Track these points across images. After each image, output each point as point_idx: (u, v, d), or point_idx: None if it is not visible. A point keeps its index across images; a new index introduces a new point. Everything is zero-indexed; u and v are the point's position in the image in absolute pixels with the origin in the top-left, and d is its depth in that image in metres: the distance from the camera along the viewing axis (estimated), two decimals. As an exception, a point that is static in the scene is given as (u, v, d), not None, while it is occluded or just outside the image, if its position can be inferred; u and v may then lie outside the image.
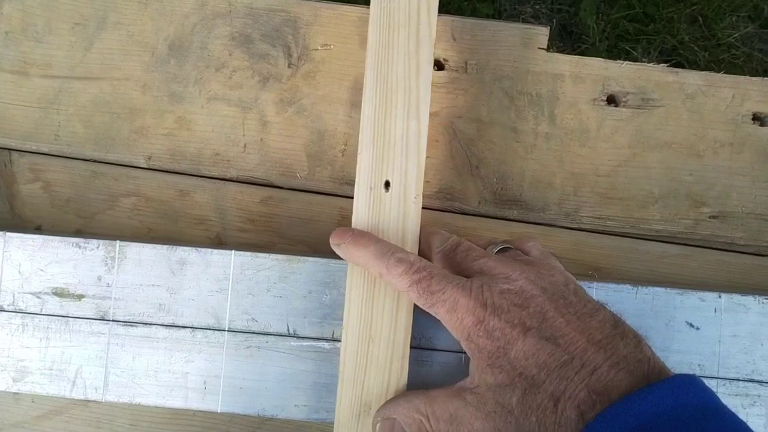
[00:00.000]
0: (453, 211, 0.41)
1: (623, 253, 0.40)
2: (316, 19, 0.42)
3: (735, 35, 0.91)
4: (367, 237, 0.31)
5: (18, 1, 0.43)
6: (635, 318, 0.34)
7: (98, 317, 0.35)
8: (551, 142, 0.41)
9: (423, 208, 0.41)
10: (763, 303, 0.34)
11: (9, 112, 0.42)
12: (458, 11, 0.94)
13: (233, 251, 0.36)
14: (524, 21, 0.92)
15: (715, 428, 0.23)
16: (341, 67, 0.41)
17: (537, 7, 0.91)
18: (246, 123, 0.42)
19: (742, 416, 0.33)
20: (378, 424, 0.30)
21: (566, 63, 0.41)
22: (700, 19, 0.90)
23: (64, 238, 0.37)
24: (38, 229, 0.42)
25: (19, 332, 0.36)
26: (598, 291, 0.34)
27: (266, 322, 0.35)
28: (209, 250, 0.36)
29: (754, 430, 0.32)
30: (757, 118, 0.40)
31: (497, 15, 0.91)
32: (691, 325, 0.34)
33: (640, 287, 0.34)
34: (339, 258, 0.35)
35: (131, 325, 0.35)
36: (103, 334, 0.35)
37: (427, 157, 0.41)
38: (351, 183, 0.40)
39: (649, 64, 0.40)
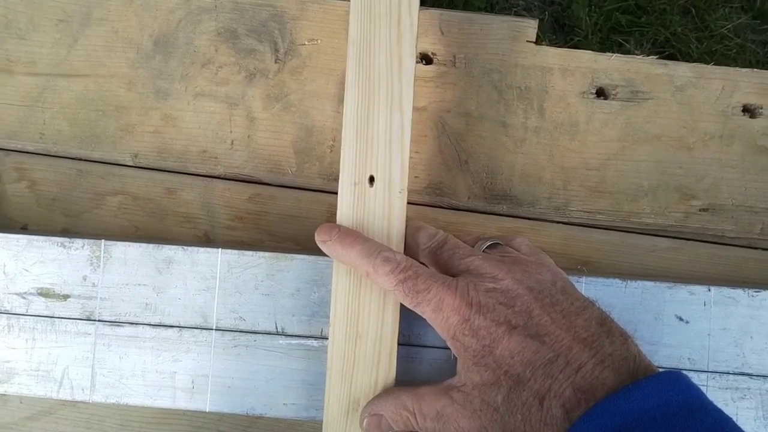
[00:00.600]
0: (442, 207, 0.41)
1: (613, 247, 0.40)
2: (303, 13, 0.41)
3: (728, 26, 0.91)
4: (354, 236, 0.31)
5: (0, -2, 0.42)
6: (625, 312, 0.34)
7: (84, 317, 0.35)
8: (540, 136, 0.40)
9: (412, 203, 0.41)
10: (752, 296, 0.33)
11: (-7, 111, 0.42)
12: (449, 4, 0.93)
13: (220, 249, 0.36)
14: (516, 14, 0.91)
15: (700, 425, 0.23)
16: (328, 62, 0.41)
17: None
18: (233, 119, 0.41)
19: (731, 410, 0.33)
20: (365, 420, 0.30)
21: (555, 56, 0.41)
22: (693, 10, 0.90)
23: (49, 237, 0.36)
24: (24, 229, 0.41)
25: (5, 333, 0.36)
26: (587, 285, 0.34)
27: (254, 320, 0.35)
28: (196, 248, 0.36)
29: (743, 424, 0.32)
30: (747, 109, 0.40)
31: (489, 8, 0.91)
32: (681, 319, 0.34)
33: (629, 281, 0.34)
34: (326, 255, 0.34)
35: (118, 325, 0.35)
36: (90, 334, 0.35)
37: (416, 152, 0.41)
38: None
39: (639, 56, 0.40)
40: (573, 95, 0.40)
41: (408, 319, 0.33)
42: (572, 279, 0.34)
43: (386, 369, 0.32)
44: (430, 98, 0.41)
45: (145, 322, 0.35)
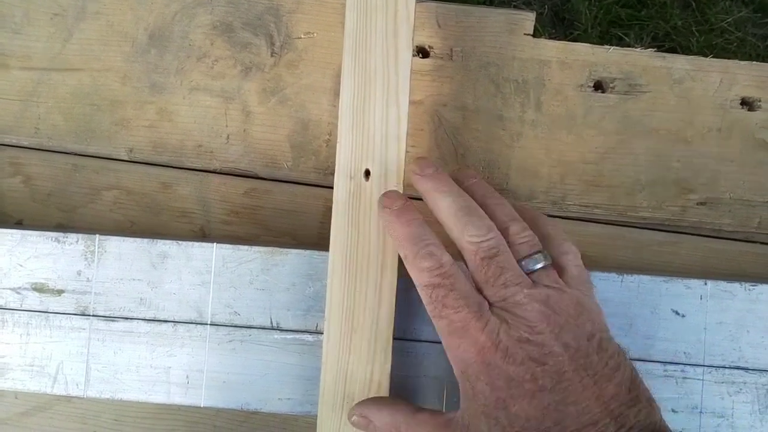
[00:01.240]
0: (439, 201, 0.41)
1: (610, 240, 0.40)
2: (299, 6, 0.41)
3: (728, 20, 0.90)
4: (412, 215, 0.29)
5: (-6, -8, 0.42)
6: (621, 306, 0.34)
7: (78, 312, 0.35)
8: (537, 130, 0.40)
9: (409, 197, 0.41)
10: (749, 290, 0.33)
11: (-13, 105, 0.41)
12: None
13: (215, 244, 0.35)
14: (516, 7, 0.91)
15: None
16: (325, 55, 0.41)
17: (529, -7, 0.90)
18: (229, 113, 0.41)
19: (728, 404, 0.33)
20: (354, 417, 0.30)
21: (553, 49, 0.40)
22: (693, 3, 0.90)
23: (43, 232, 0.36)
24: (19, 224, 0.41)
25: None
26: (583, 279, 0.34)
27: (249, 315, 0.35)
28: (190, 243, 0.35)
29: (739, 418, 0.32)
30: (745, 102, 0.40)
31: (489, 1, 0.90)
32: (677, 313, 0.33)
33: (625, 275, 0.34)
34: (323, 249, 0.34)
35: (112, 320, 0.35)
36: (84, 329, 0.35)
37: (413, 146, 0.41)
38: (335, 173, 0.40)
39: (637, 49, 0.40)
40: (570, 88, 0.40)
41: (404, 313, 0.33)
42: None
43: (381, 364, 0.32)
44: (426, 92, 0.40)
45: (140, 317, 0.35)
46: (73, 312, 0.35)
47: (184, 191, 0.41)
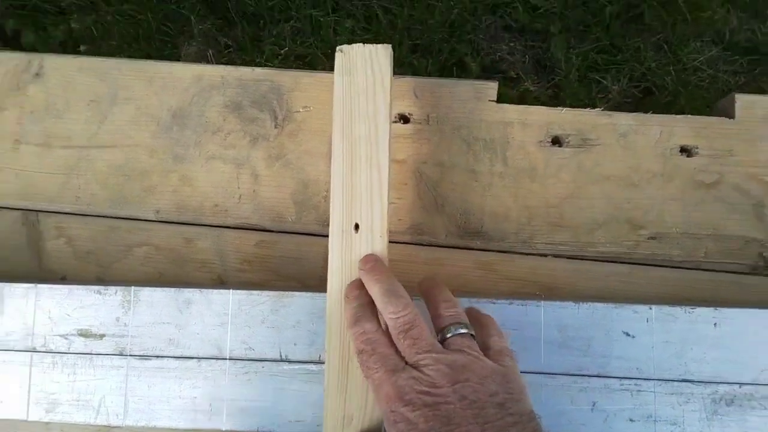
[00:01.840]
0: (424, 245, 0.47)
1: (575, 273, 0.45)
2: (297, 85, 0.48)
3: (700, 59, 0.97)
4: (357, 291, 0.36)
5: (41, 84, 0.50)
6: (579, 330, 0.39)
7: (117, 353, 0.41)
8: (505, 180, 0.47)
9: (398, 242, 0.47)
10: (689, 312, 0.39)
11: (36, 180, 0.49)
12: (439, 51, 1.01)
13: (231, 290, 0.42)
14: (501, 58, 0.99)
15: None
16: (320, 125, 0.48)
17: (512, 44, 0.98)
18: (240, 177, 0.48)
19: (678, 413, 0.38)
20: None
21: (514, 112, 0.47)
22: (666, 46, 0.97)
23: (87, 286, 0.43)
24: (63, 279, 0.48)
25: (50, 369, 0.42)
26: (545, 309, 0.40)
27: (262, 350, 0.41)
28: (210, 290, 0.42)
29: (689, 425, 0.37)
30: (684, 150, 0.46)
31: (475, 54, 0.98)
32: (628, 334, 0.39)
33: (581, 303, 0.40)
34: (323, 291, 0.40)
35: (146, 359, 0.41)
36: (122, 367, 0.41)
37: (399, 198, 0.47)
38: (332, 225, 0.46)
39: (585, 110, 0.46)
40: (531, 144, 0.47)
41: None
42: (530, 303, 0.40)
43: (374, 387, 0.37)
44: (408, 152, 0.47)
45: (170, 355, 0.41)
46: (113, 353, 0.41)
47: (204, 245, 0.48)
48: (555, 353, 0.39)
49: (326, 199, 0.47)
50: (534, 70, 0.97)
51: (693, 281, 0.45)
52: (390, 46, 0.40)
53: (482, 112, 0.47)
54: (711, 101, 0.95)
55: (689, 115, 0.46)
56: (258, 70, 0.49)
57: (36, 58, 0.51)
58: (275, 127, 0.48)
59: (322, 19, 1.01)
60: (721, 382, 0.38)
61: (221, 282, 0.47)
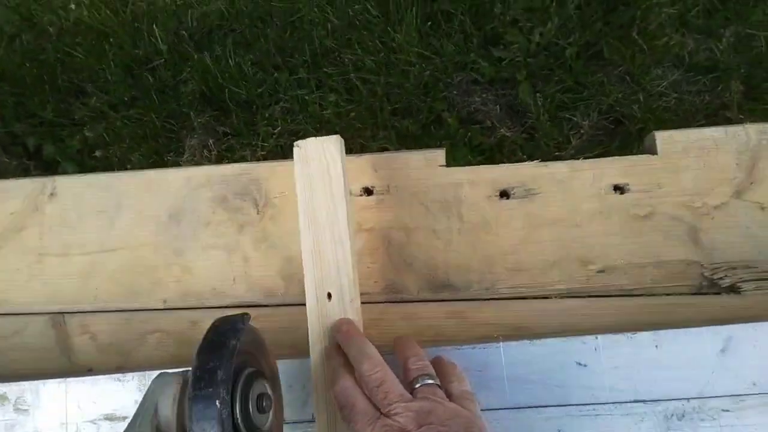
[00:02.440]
0: (398, 302, 0.52)
1: (536, 312, 0.50)
2: (273, 174, 0.56)
3: (664, 84, 1.02)
4: (338, 346, 0.42)
5: (56, 202, 0.58)
6: (536, 365, 0.44)
7: None
8: (463, 235, 0.52)
9: (376, 302, 0.52)
10: (631, 338, 0.43)
11: (60, 285, 0.56)
12: (418, 111, 1.09)
13: (230, 365, 0.47)
14: (475, 109, 1.06)
15: None
16: (296, 207, 0.54)
17: (484, 95, 1.05)
18: (232, 262, 0.55)
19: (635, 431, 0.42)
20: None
21: (462, 173, 0.53)
22: (628, 78, 1.03)
23: (109, 375, 0.49)
24: (90, 371, 0.55)
25: (83, 453, 0.48)
26: (504, 349, 0.44)
27: (261, 415, 0.46)
28: (212, 367, 0.48)
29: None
30: (617, 188, 0.51)
31: (452, 109, 1.05)
32: (580, 364, 0.43)
33: (534, 340, 0.44)
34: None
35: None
36: (143, 444, 0.47)
37: (372, 263, 0.53)
38: (316, 294, 0.52)
39: (524, 163, 0.52)
40: (482, 200, 0.52)
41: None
42: (490, 346, 0.45)
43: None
44: (375, 221, 0.53)
45: (182, 429, 0.47)
46: (134, 433, 0.47)
47: (207, 325, 0.54)
48: (518, 389, 0.44)
49: (309, 271, 0.53)
50: (508, 116, 1.04)
51: (645, 306, 0.49)
52: (338, 136, 0.47)
53: (434, 177, 0.53)
54: (680, 123, 0.99)
55: (617, 157, 0.51)
56: (237, 165, 0.56)
57: (49, 181, 0.59)
58: (258, 213, 0.55)
59: (307, 98, 1.11)
60: (670, 399, 0.42)
61: (225, 357, 0.53)
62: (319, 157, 0.47)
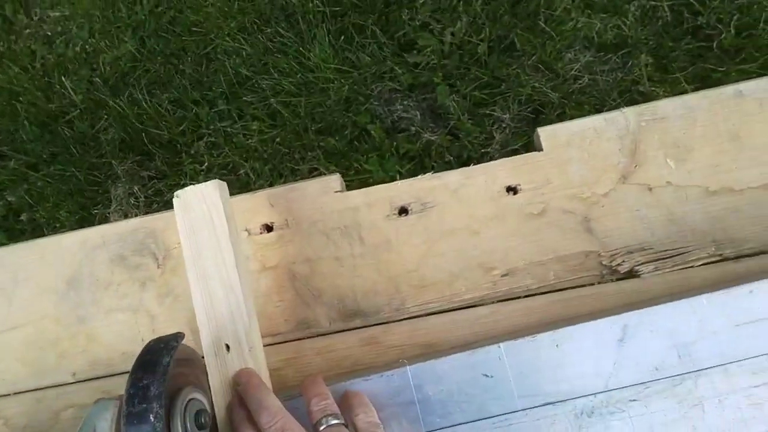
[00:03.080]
0: (312, 336, 0.51)
1: (447, 326, 0.50)
2: (168, 225, 0.54)
3: (576, 67, 1.04)
4: (238, 402, 0.41)
5: (-49, 286, 0.56)
6: (446, 383, 0.43)
7: None
8: (366, 259, 0.51)
9: (290, 341, 0.51)
10: (531, 341, 0.43)
11: (-38, 374, 0.54)
12: (343, 127, 1.08)
13: None
14: (399, 117, 1.06)
15: None
16: (195, 255, 0.53)
17: (405, 103, 1.05)
18: (138, 321, 0.53)
19: (550, 434, 0.41)
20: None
21: (357, 196, 0.52)
22: (541, 66, 1.04)
23: (16, 463, 0.47)
24: (5, 458, 0.52)
25: None
26: (411, 372, 0.43)
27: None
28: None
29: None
30: (510, 189, 0.51)
31: (375, 119, 1.05)
32: (486, 375, 0.43)
33: (441, 358, 0.43)
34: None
35: None
36: None
37: (280, 301, 0.52)
38: (226, 342, 0.51)
39: (418, 177, 0.52)
40: (380, 220, 0.52)
41: None
42: (398, 371, 0.44)
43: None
44: (278, 257, 0.52)
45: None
46: None
47: (120, 392, 0.52)
48: (429, 410, 0.43)
49: (218, 319, 0.52)
50: (431, 120, 1.04)
51: (551, 304, 0.49)
52: (218, 181, 0.46)
53: (331, 203, 0.53)
54: (598, 104, 1.01)
55: (506, 158, 0.51)
56: (131, 221, 0.55)
57: (-60, 267, 0.56)
58: (158, 267, 0.54)
59: (230, 129, 1.09)
60: (577, 397, 0.42)
61: (143, 421, 0.51)
62: (200, 203, 0.46)
